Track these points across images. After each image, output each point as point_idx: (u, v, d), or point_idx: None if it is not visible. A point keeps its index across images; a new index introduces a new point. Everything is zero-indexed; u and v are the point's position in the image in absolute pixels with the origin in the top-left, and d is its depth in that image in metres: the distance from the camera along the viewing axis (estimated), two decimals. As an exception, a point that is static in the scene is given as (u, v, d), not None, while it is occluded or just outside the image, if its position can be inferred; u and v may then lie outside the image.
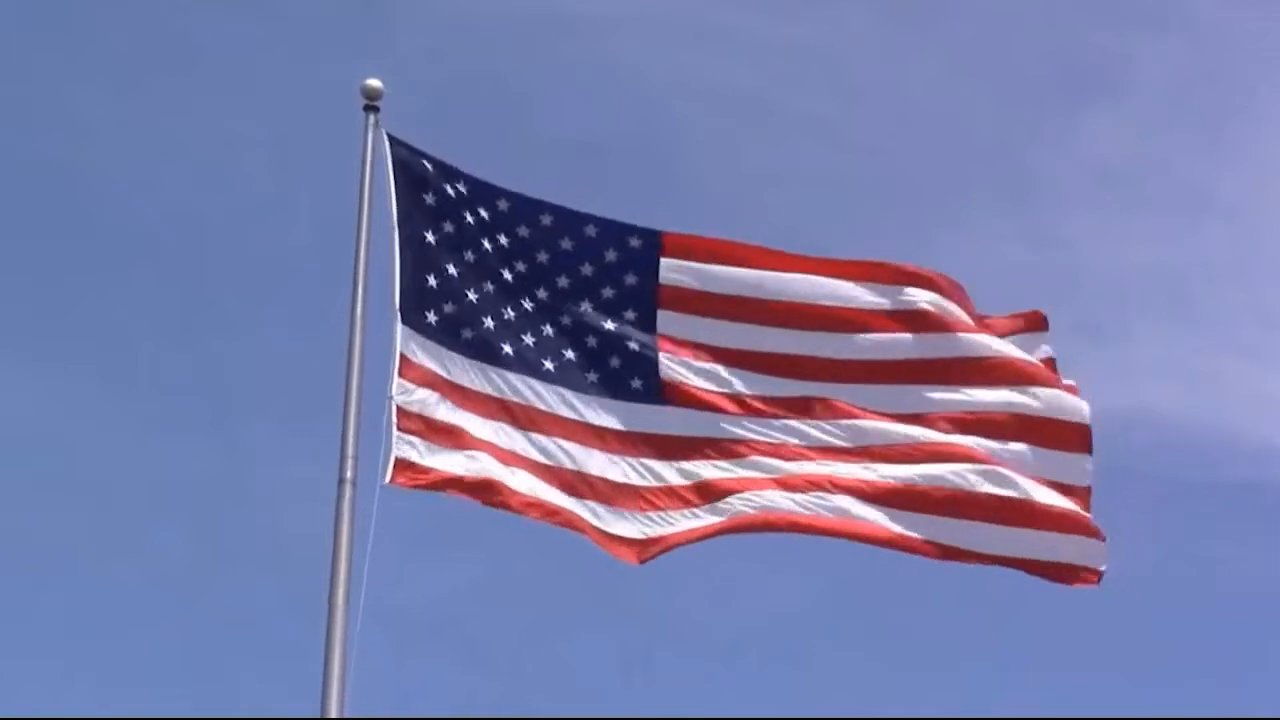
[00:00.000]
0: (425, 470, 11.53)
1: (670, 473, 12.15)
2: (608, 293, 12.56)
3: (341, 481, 11.11)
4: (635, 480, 12.12)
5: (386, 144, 12.35)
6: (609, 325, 12.49)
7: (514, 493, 11.71)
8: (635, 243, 12.62)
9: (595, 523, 11.93)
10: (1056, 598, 28.39)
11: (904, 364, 12.61)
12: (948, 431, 12.41)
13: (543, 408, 12.15)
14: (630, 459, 12.18)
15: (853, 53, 31.85)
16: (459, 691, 25.28)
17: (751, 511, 12.02)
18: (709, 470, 12.17)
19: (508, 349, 12.25)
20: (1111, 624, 27.54)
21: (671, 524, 12.00)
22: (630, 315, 12.52)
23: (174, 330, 29.41)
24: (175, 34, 30.34)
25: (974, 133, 31.64)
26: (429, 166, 12.47)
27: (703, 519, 12.04)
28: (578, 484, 11.99)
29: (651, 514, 12.04)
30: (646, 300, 12.56)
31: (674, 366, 12.48)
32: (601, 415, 12.22)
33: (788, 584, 26.87)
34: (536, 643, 26.51)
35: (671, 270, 12.61)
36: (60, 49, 30.23)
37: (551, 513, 11.84)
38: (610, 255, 12.57)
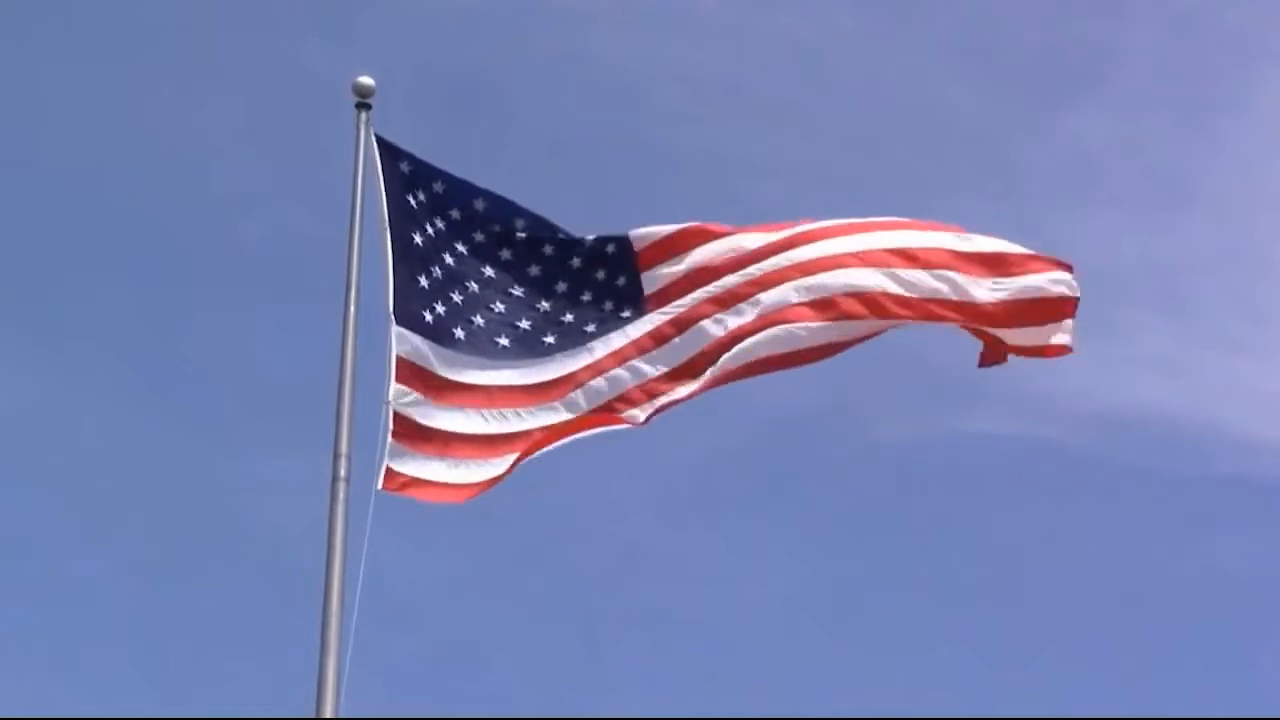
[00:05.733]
0: (415, 480, 11.61)
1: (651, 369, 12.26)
2: (596, 276, 12.64)
3: (335, 480, 11.16)
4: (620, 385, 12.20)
5: (375, 144, 12.41)
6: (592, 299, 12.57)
7: (495, 473, 11.80)
8: (611, 249, 12.71)
9: (573, 414, 12.00)
10: (1054, 596, 28.39)
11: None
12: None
13: (539, 383, 12.18)
14: (614, 370, 12.23)
15: (836, 44, 31.89)
16: (457, 691, 25.33)
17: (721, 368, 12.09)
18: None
19: (502, 341, 12.29)
20: (1109, 621, 27.64)
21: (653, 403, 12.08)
22: (613, 304, 12.59)
23: (171, 330, 29.46)
24: (170, 32, 30.38)
25: (958, 125, 31.67)
26: (413, 167, 12.55)
27: (679, 392, 12.09)
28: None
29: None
30: (633, 291, 12.63)
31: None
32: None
33: (779, 567, 27.02)
34: (539, 643, 26.54)
35: (650, 281, 12.68)
36: (62, 48, 30.24)
37: (534, 446, 11.90)
38: (585, 261, 12.66)
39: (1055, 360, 12.93)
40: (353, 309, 11.73)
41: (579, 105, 30.78)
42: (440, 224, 12.48)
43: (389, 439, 11.56)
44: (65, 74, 30.16)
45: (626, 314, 12.48)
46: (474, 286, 12.45)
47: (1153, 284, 30.83)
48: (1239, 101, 30.83)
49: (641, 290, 12.60)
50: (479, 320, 12.33)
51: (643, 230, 12.77)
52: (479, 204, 12.66)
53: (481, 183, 12.77)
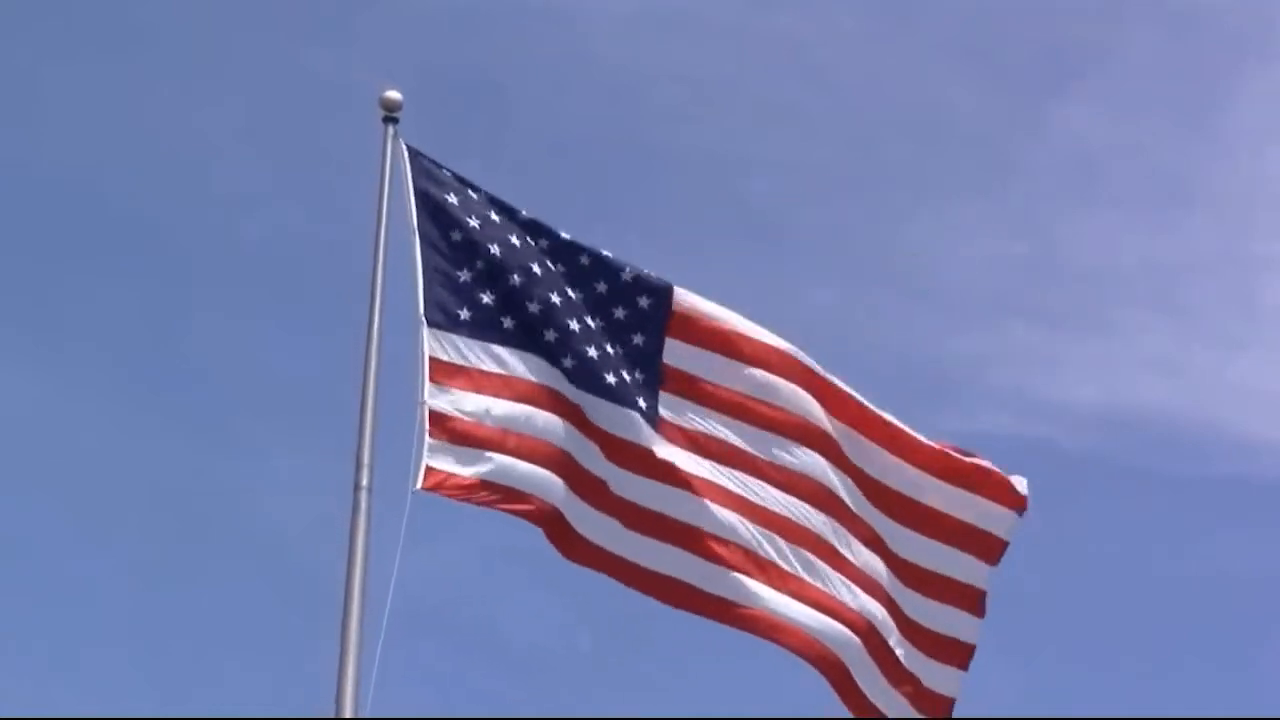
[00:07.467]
0: (458, 478, 11.50)
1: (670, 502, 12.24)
2: (618, 314, 12.58)
3: (358, 489, 11.13)
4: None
5: (405, 155, 12.33)
6: (615, 348, 12.53)
7: (532, 499, 11.80)
8: (644, 302, 12.58)
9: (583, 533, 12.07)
10: (1054, 596, 28.36)
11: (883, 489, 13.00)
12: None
13: (572, 400, 12.16)
14: (631, 474, 12.23)
15: (836, 44, 31.94)
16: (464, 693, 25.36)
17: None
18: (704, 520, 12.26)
19: (547, 336, 12.20)
20: (1109, 621, 27.69)
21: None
22: (637, 371, 12.56)
23: (171, 330, 29.50)
24: (170, 32, 30.38)
25: (957, 124, 31.72)
26: (449, 174, 12.47)
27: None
28: (593, 491, 12.07)
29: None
30: (652, 362, 12.57)
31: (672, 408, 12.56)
32: (612, 423, 12.26)
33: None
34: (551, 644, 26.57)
35: (675, 355, 12.58)
36: (62, 48, 30.24)
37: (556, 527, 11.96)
38: (620, 310, 12.59)
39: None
40: (377, 319, 11.71)
41: (579, 105, 30.85)
42: (481, 221, 12.34)
43: (426, 439, 11.42)
44: (65, 74, 30.22)
45: (641, 401, 12.36)
46: (516, 280, 12.27)
47: (1153, 284, 30.94)
48: (1239, 101, 30.93)
49: (660, 359, 12.53)
50: (522, 312, 12.22)
51: (687, 297, 12.67)
52: (520, 213, 12.56)
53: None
